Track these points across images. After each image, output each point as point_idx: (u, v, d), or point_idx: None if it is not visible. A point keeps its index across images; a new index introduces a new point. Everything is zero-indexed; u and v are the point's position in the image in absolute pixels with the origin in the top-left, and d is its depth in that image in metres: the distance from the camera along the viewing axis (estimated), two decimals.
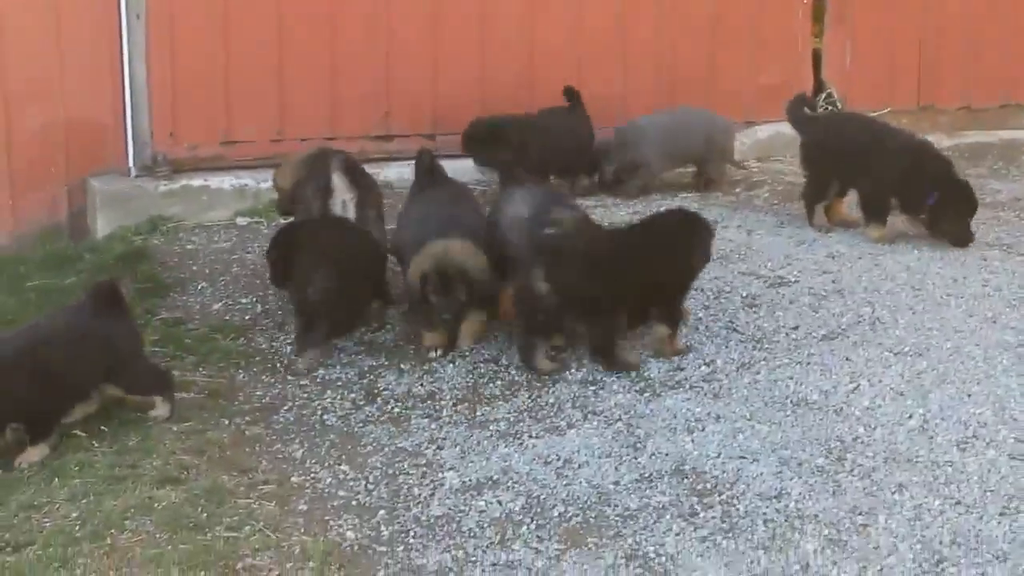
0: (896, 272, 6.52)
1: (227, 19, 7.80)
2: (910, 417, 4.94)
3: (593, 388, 5.21)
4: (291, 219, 6.38)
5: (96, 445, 4.78)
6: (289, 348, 5.66)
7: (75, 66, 7.51)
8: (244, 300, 6.24)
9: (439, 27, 8.24)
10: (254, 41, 7.87)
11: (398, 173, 7.95)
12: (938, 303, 6.11)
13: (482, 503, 4.41)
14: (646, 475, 4.54)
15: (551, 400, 5.11)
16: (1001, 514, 4.26)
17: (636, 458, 4.65)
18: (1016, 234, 7.12)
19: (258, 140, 7.83)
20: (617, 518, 4.30)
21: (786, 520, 4.25)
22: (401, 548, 4.16)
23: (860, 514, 4.28)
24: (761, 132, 8.95)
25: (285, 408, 5.14)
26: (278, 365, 5.52)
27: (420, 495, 4.48)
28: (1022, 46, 9.59)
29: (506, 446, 4.77)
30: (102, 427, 4.89)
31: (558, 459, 4.67)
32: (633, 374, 5.30)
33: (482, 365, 5.47)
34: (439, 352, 5.54)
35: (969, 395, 5.12)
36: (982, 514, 4.26)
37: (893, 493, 4.40)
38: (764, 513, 4.29)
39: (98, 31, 7.57)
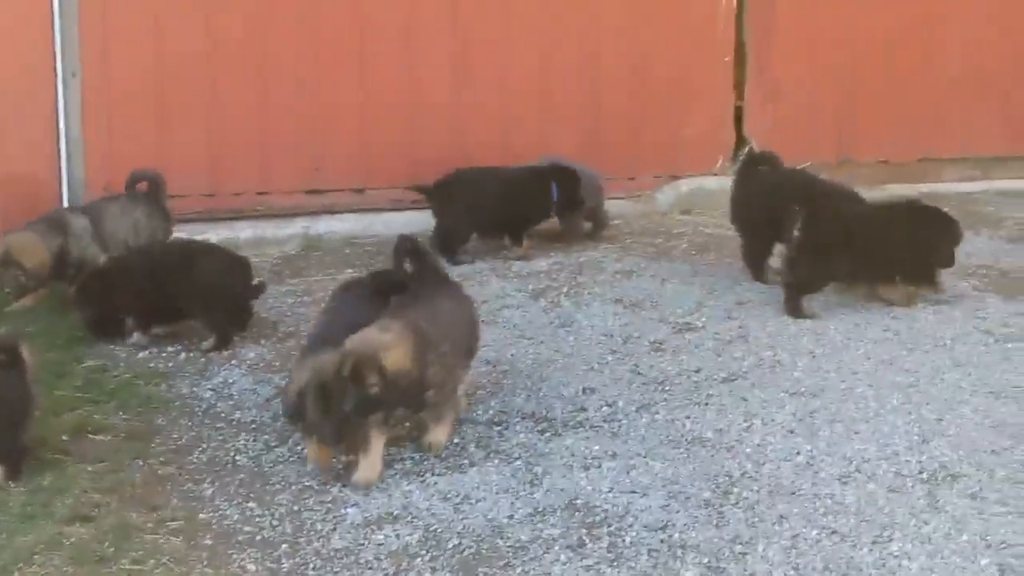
0: (801, 319, 6.76)
1: (160, 77, 8.04)
2: (797, 453, 5.16)
3: (498, 428, 5.41)
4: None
5: (12, 485, 4.95)
6: (208, 393, 5.85)
7: (12, 121, 7.74)
8: (170, 348, 6.41)
9: (369, 83, 8.48)
10: (187, 98, 8.12)
11: (327, 227, 8.21)
12: (838, 347, 6.35)
13: (381, 537, 4.60)
14: (540, 509, 4.73)
15: (456, 440, 5.30)
16: (873, 543, 4.47)
17: (532, 494, 4.85)
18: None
19: (191, 194, 8.02)
20: (508, 549, 4.49)
21: (669, 549, 4.45)
22: None
23: (740, 543, 4.48)
24: (684, 185, 9.19)
25: (199, 450, 5.31)
26: (196, 409, 5.70)
27: (322, 529, 4.67)
28: (941, 101, 9.88)
29: (409, 483, 4.96)
30: None
31: (457, 495, 4.86)
32: (538, 414, 5.52)
33: None
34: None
35: (856, 432, 5.35)
36: (855, 543, 4.47)
37: (773, 524, 4.60)
38: (649, 544, 4.49)
39: (35, 87, 7.81)
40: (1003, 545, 4.40)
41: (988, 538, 4.46)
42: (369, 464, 4.94)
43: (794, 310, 6.79)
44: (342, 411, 4.81)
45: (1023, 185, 9.73)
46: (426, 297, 5.27)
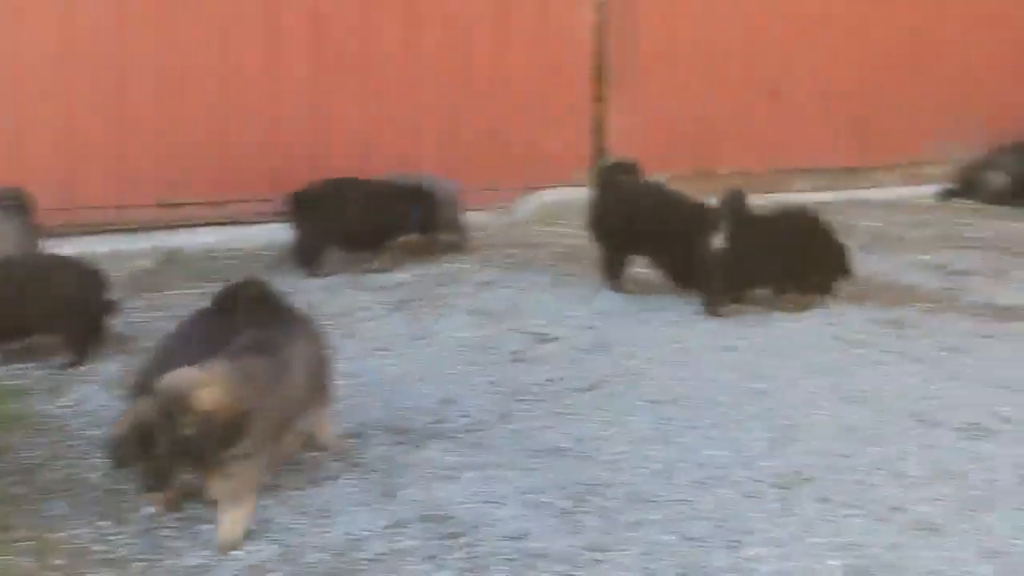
0: (659, 327, 6.85)
1: (19, 84, 7.93)
2: (654, 461, 5.21)
3: (356, 441, 5.39)
4: None
5: None
6: (63, 410, 5.76)
7: None
8: (24, 364, 6.30)
9: (229, 94, 8.44)
10: (42, 111, 8.01)
11: (187, 240, 8.14)
12: (695, 355, 6.44)
13: (239, 553, 4.56)
14: (397, 521, 4.72)
15: (314, 454, 5.28)
16: (727, 547, 4.52)
17: (390, 506, 4.84)
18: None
19: (49, 206, 7.91)
20: (365, 562, 4.48)
21: (525, 558, 4.47)
22: None
23: (595, 550, 4.51)
24: (545, 196, 9.26)
25: (53, 468, 5.22)
26: (50, 427, 5.61)
27: (178, 547, 4.61)
28: (793, 114, 10.07)
29: (265, 498, 4.92)
30: None
31: (315, 509, 4.83)
32: (397, 426, 5.52)
33: None
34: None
35: (712, 439, 5.42)
36: (710, 548, 4.52)
37: (629, 531, 4.64)
38: (505, 553, 4.50)
39: None
40: (851, 546, 4.48)
41: (837, 539, 4.53)
42: (233, 520, 4.56)
43: (715, 312, 6.99)
44: (160, 454, 4.46)
45: (870, 195, 9.96)
46: (266, 339, 4.83)
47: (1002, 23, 10.65)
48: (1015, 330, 6.87)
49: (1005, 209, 9.98)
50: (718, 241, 6.96)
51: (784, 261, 7.10)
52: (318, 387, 5.08)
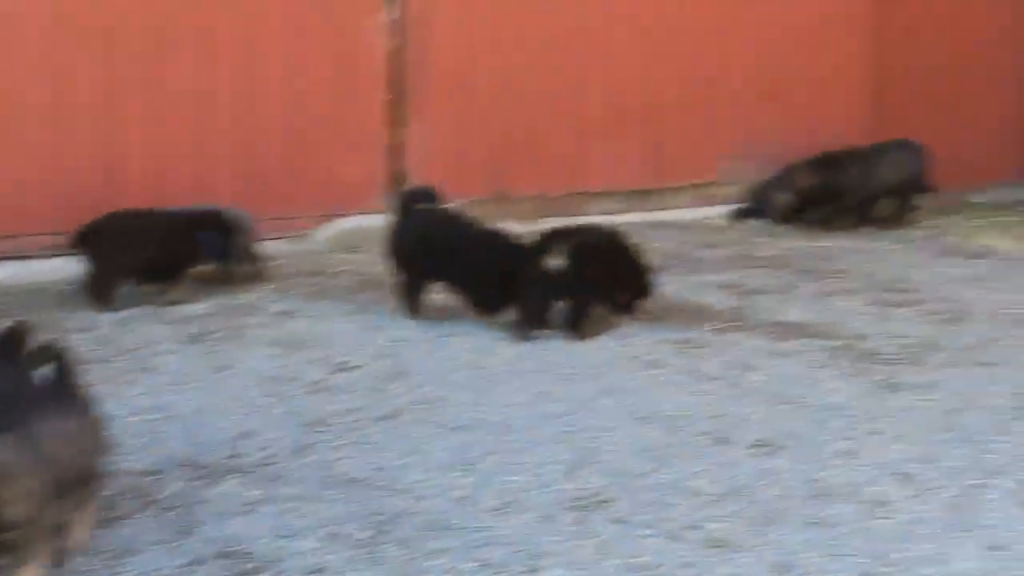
0: (458, 353, 6.89)
1: None
2: (453, 488, 5.23)
3: (153, 478, 5.31)
4: None
5: None
6: None
7: None
8: None
9: (11, 126, 8.28)
10: None
11: None
12: (494, 381, 6.49)
13: None
14: (195, 559, 4.66)
15: (108, 493, 5.17)
16: (525, 572, 4.56)
17: (187, 543, 4.78)
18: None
19: None
20: None
21: None
22: None
23: None
24: (343, 224, 9.25)
25: None
26: None
27: None
28: (587, 138, 10.22)
29: (58, 539, 4.82)
30: None
31: (111, 550, 4.74)
32: (194, 461, 5.45)
33: None
34: None
35: (512, 464, 5.46)
36: (508, 574, 4.56)
37: (429, 559, 4.66)
38: None
39: None
40: (647, 566, 4.56)
41: (634, 560, 4.61)
42: None
43: (582, 333, 7.15)
44: None
45: (665, 216, 10.16)
46: (30, 416, 4.39)
47: (794, 43, 10.93)
48: (802, 347, 7.07)
49: (793, 227, 10.27)
50: (555, 264, 7.13)
51: (596, 280, 7.27)
52: (88, 475, 4.57)
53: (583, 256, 7.20)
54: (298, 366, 6.64)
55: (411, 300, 7.46)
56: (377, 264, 8.37)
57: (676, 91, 10.56)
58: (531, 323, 7.17)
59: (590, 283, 7.25)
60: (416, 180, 9.56)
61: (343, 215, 9.34)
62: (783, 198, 10.43)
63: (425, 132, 9.72)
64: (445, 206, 7.83)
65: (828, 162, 10.32)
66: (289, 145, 9.23)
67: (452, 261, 7.35)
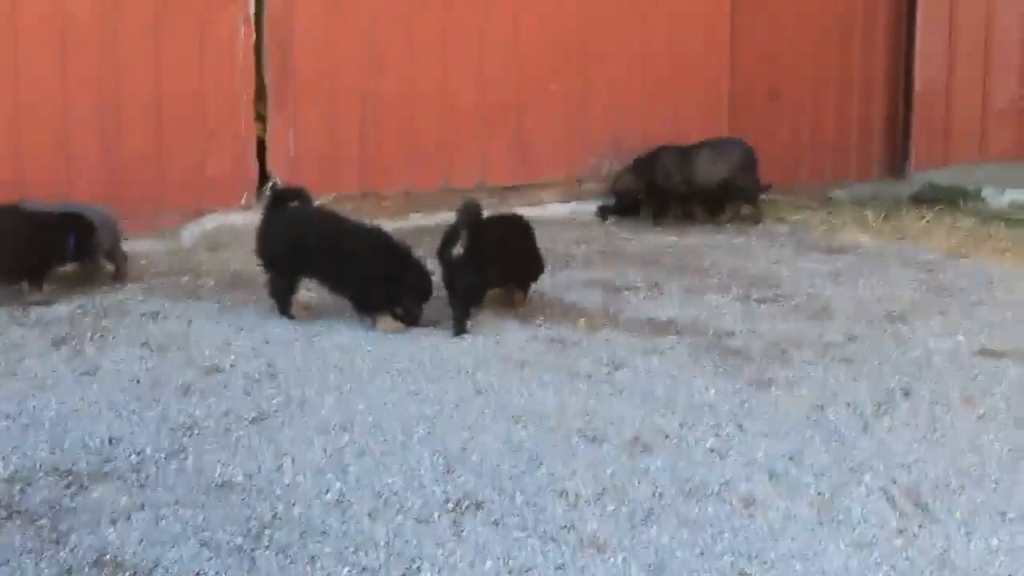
0: (328, 353, 6.86)
1: None
2: (327, 491, 5.22)
3: (19, 486, 5.22)
4: None
5: None
6: None
7: None
8: None
9: None
10: None
11: None
12: (365, 381, 6.47)
13: None
14: (67, 569, 4.60)
15: None
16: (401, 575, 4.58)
17: (58, 553, 4.71)
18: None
19: None
20: None
21: None
22: None
23: None
24: (209, 222, 9.16)
25: None
26: None
27: None
28: (457, 133, 10.24)
29: None
30: None
31: None
32: (63, 468, 5.36)
33: None
34: None
35: (385, 466, 5.46)
36: None
37: (306, 564, 4.64)
38: None
39: None
40: (523, 568, 4.60)
41: (510, 562, 4.64)
42: None
43: (463, 327, 7.24)
44: None
45: (532, 212, 10.16)
46: None
47: (658, 41, 11.04)
48: (672, 343, 7.14)
49: (662, 223, 10.42)
50: (458, 250, 7.20)
51: (506, 266, 7.55)
52: None
53: (484, 241, 7.31)
54: (167, 368, 6.57)
55: (283, 299, 7.40)
56: (246, 263, 8.31)
57: (544, 88, 10.60)
58: (464, 315, 7.30)
59: (492, 268, 7.41)
60: (280, 177, 9.51)
61: (210, 212, 9.23)
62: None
63: (289, 129, 9.66)
64: (316, 204, 7.79)
65: (644, 163, 10.42)
66: (152, 142, 9.12)
67: (328, 259, 7.31)
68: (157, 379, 6.41)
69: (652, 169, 10.43)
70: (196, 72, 9.23)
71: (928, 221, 10.58)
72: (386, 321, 7.30)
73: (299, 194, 7.65)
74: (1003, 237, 10.04)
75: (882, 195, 11.58)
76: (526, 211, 9.99)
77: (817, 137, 11.93)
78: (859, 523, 4.98)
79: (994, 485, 5.33)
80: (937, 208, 10.97)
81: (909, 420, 6.05)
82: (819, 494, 5.23)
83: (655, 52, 11.03)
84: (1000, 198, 11.21)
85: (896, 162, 12.22)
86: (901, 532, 4.92)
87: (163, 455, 5.53)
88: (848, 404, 6.23)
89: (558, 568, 4.60)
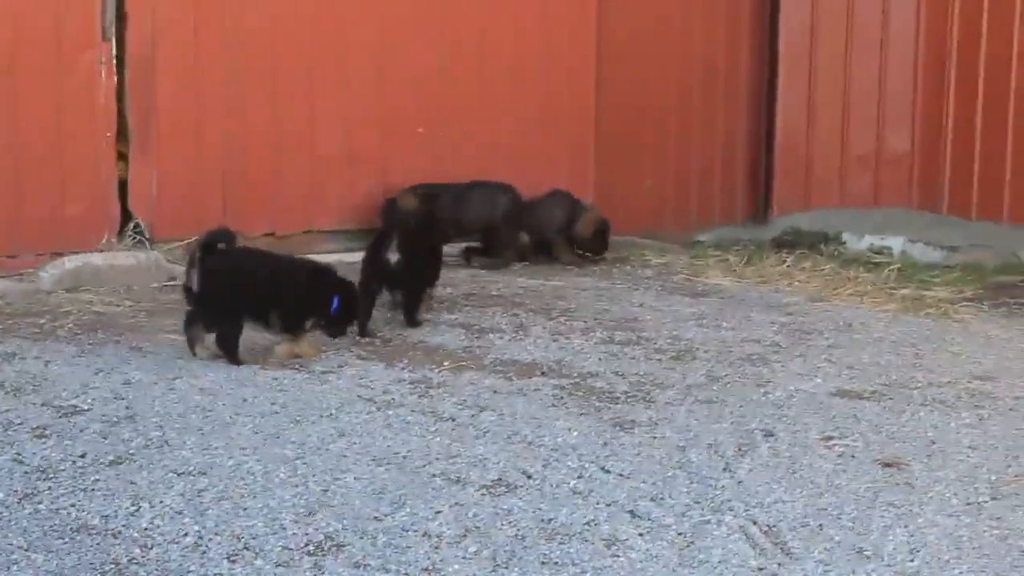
0: (189, 395, 6.77)
1: None
2: (186, 535, 5.13)
3: None
4: None
5: None
6: None
7: None
8: None
9: None
10: None
11: None
12: (226, 423, 6.39)
13: None
14: None
15: None
16: None
17: None
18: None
19: None
20: None
21: None
22: None
23: None
24: (69, 263, 9.02)
25: None
26: None
27: None
28: (321, 177, 10.21)
29: None
30: None
31: None
32: None
33: None
34: None
35: (245, 509, 5.38)
36: None
37: None
38: None
39: None
40: None
41: None
42: None
43: (416, 322, 8.28)
44: None
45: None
46: None
47: (524, 85, 11.11)
48: (535, 385, 7.16)
49: (523, 265, 10.48)
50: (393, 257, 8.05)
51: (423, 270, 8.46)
52: None
53: (411, 249, 8.19)
54: (22, 410, 6.43)
55: (234, 345, 7.34)
56: (104, 305, 8.20)
57: (408, 132, 10.61)
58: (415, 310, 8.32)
59: (420, 273, 8.40)
60: (142, 218, 9.41)
61: (70, 253, 9.09)
62: (522, 237, 10.65)
63: (152, 169, 9.57)
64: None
65: (428, 198, 10.42)
66: (9, 182, 8.97)
67: (269, 292, 7.40)
68: (11, 421, 6.28)
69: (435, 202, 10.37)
70: (54, 113, 9.11)
71: (789, 265, 10.72)
72: (287, 348, 7.39)
73: (228, 235, 7.50)
74: (862, 281, 10.20)
75: (745, 239, 11.73)
76: None
77: (681, 182, 12.08)
78: (719, 563, 5.01)
79: (852, 523, 5.40)
80: (798, 252, 11.11)
81: (769, 460, 6.11)
82: (680, 534, 5.25)
83: (522, 95, 11.08)
84: (859, 242, 11.42)
85: (759, 207, 12.40)
86: (760, 570, 4.96)
87: (16, 499, 5.41)
88: (710, 445, 6.28)
89: None
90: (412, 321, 8.25)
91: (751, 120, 12.45)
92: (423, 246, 8.47)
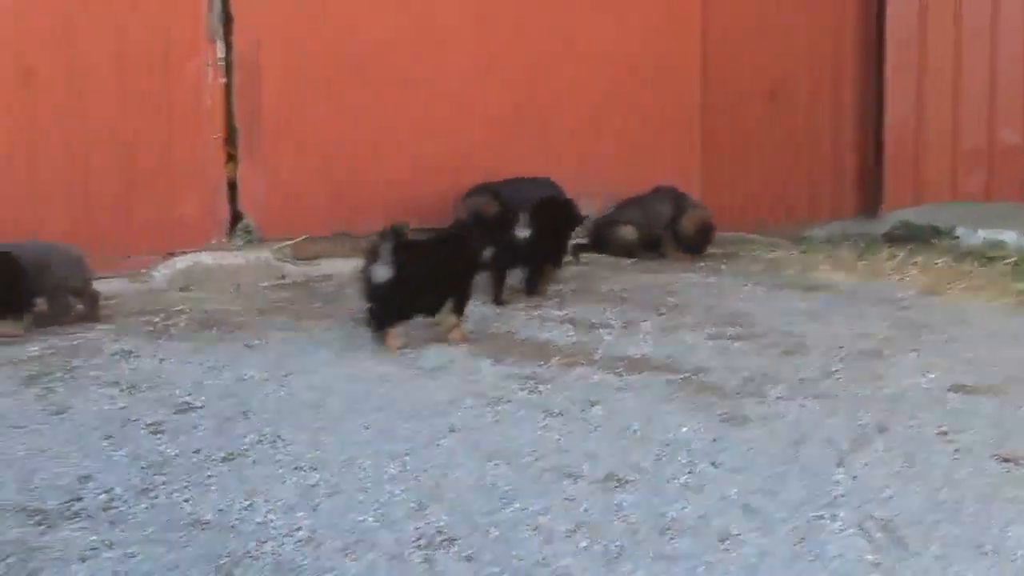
0: (301, 392, 6.82)
1: None
2: (299, 529, 5.16)
3: None
4: None
5: None
6: None
7: None
8: None
9: None
10: None
11: None
12: (337, 419, 6.42)
13: None
14: None
15: None
16: None
17: None
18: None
19: None
20: None
21: None
22: None
23: None
24: (181, 262, 9.12)
25: None
26: None
27: None
28: (423, 173, 10.24)
29: None
30: None
31: None
32: (31, 507, 5.30)
33: None
34: None
35: (357, 503, 5.41)
36: None
37: None
38: None
39: None
40: None
41: None
42: None
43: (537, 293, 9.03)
44: None
45: None
46: None
47: (627, 79, 11.09)
48: (645, 381, 7.12)
49: (632, 261, 10.44)
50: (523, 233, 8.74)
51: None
52: None
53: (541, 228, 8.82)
54: (138, 407, 6.51)
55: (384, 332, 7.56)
56: (216, 303, 8.29)
57: (512, 125, 10.62)
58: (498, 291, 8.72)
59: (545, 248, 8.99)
60: (252, 218, 9.50)
61: (182, 253, 9.20)
62: (627, 233, 10.60)
63: (258, 170, 9.66)
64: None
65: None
66: (121, 182, 9.10)
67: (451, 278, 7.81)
68: (128, 418, 6.36)
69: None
70: (163, 116, 9.23)
71: (901, 259, 10.57)
72: (460, 332, 7.78)
73: (403, 230, 7.70)
74: (977, 275, 10.03)
75: (855, 234, 11.59)
76: None
77: (790, 177, 11.97)
78: (835, 558, 4.94)
79: (970, 519, 5.30)
80: (910, 247, 10.95)
81: (884, 455, 6.01)
82: (794, 529, 5.18)
83: (624, 90, 11.06)
84: (973, 236, 11.23)
85: (869, 201, 12.26)
86: (877, 566, 4.88)
87: (133, 493, 5.48)
88: (823, 440, 6.20)
89: None
90: (533, 292, 8.96)
91: (859, 114, 12.32)
92: (552, 226, 8.99)
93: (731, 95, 11.68)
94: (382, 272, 7.43)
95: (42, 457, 5.86)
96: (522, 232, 8.69)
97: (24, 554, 4.93)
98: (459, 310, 7.81)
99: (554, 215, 9.06)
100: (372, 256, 7.48)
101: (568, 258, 9.82)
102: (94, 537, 5.06)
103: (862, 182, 12.35)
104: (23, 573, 4.78)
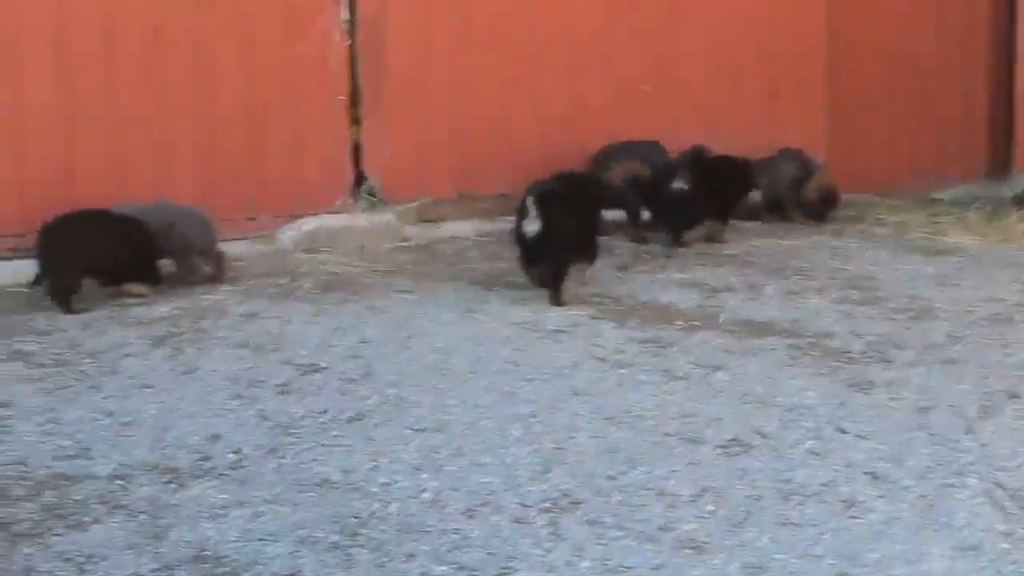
0: (424, 354, 6.87)
1: None
2: (424, 490, 5.21)
3: (120, 483, 5.27)
4: None
5: None
6: None
7: None
8: None
9: None
10: None
11: None
12: (460, 381, 6.46)
13: None
14: (167, 564, 4.62)
15: (77, 498, 5.14)
16: (498, 575, 4.55)
17: (158, 548, 4.73)
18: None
19: None
20: None
21: None
22: None
23: None
24: (306, 225, 9.20)
25: None
26: None
27: None
28: (547, 133, 10.21)
29: (28, 547, 4.77)
30: None
31: (80, 555, 4.70)
32: (163, 465, 5.41)
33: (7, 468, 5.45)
34: None
35: (481, 465, 5.44)
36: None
37: (402, 562, 4.63)
38: None
39: None
40: (620, 568, 4.55)
41: (607, 563, 4.60)
42: None
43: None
44: None
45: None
46: None
47: (748, 40, 10.97)
48: (769, 345, 7.07)
49: (756, 224, 10.34)
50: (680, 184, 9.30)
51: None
52: None
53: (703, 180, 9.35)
54: (265, 368, 6.60)
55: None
56: (341, 265, 8.38)
57: (636, 87, 10.55)
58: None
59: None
60: (376, 180, 9.54)
61: (306, 215, 9.28)
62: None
63: (382, 132, 9.68)
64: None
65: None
66: (247, 145, 9.18)
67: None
68: (255, 379, 6.45)
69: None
70: (288, 76, 9.28)
71: None
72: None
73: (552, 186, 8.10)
74: None
75: (984, 197, 11.38)
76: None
77: (917, 139, 11.77)
78: (963, 526, 4.88)
79: None
80: None
81: (1013, 422, 5.93)
82: (922, 497, 5.13)
83: (752, 60, 10.94)
84: None
85: (998, 163, 12.02)
86: (1008, 535, 4.81)
87: (261, 453, 5.56)
88: (950, 406, 6.12)
89: (655, 568, 4.56)
90: (677, 243, 9.45)
91: (989, 73, 12.06)
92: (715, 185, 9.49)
93: (856, 54, 11.49)
94: (532, 226, 7.70)
95: (172, 416, 5.97)
96: (679, 185, 9.25)
97: (156, 511, 5.03)
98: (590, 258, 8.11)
99: (720, 172, 9.55)
100: (521, 212, 7.81)
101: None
102: (224, 496, 5.15)
103: (992, 144, 12.09)
104: (155, 530, 4.87)
